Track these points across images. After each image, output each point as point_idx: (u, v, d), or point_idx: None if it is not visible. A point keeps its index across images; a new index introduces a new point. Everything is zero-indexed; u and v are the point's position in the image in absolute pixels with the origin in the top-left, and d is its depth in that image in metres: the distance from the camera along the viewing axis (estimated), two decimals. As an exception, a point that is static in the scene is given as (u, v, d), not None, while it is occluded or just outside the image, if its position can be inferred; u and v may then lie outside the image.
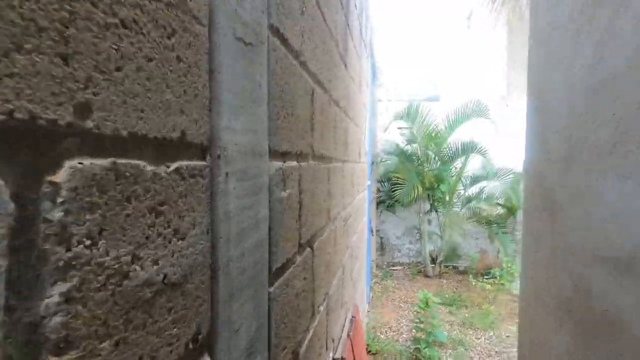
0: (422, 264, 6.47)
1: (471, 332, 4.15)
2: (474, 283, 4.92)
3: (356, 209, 2.54)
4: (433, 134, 5.56)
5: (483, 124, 5.95)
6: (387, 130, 6.14)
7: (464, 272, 6.20)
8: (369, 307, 4.75)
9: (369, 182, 4.67)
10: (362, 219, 3.05)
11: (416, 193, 5.35)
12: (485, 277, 5.46)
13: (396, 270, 6.60)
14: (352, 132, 2.63)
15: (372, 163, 5.69)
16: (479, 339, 4.03)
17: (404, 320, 4.41)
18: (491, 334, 4.12)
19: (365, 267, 4.10)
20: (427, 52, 7.47)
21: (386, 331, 4.12)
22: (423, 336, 3.46)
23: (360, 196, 2.79)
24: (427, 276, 6.10)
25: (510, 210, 5.80)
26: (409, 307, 4.82)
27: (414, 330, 3.60)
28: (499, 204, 5.60)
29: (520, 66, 7.14)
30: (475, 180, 5.80)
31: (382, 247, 7.10)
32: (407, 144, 6.00)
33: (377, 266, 6.63)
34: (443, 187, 5.42)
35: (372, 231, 4.94)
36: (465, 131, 5.60)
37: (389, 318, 4.48)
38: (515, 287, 5.20)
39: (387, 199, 6.21)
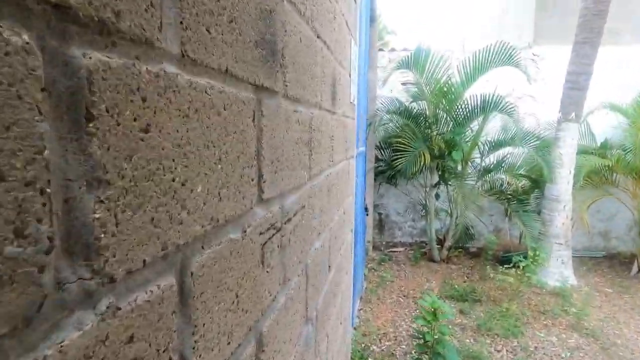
0: (426, 245, 5.53)
1: (489, 341, 3.23)
2: (492, 275, 3.97)
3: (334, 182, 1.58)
4: (445, 88, 4.45)
5: (509, 76, 4.82)
6: (386, 83, 5.03)
7: (477, 255, 5.25)
8: (360, 303, 3.84)
9: (362, 148, 3.63)
10: (346, 197, 2.08)
11: (422, 162, 4.32)
12: (505, 264, 4.51)
13: (397, 252, 5.67)
14: (342, 78, 1.68)
15: (369, 124, 4.63)
16: (499, 350, 3.11)
17: (403, 323, 3.49)
18: (515, 343, 3.20)
19: (354, 258, 3.16)
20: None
21: (380, 339, 3.21)
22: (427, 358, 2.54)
23: (340, 165, 1.80)
24: (432, 260, 5.17)
25: (537, 183, 4.76)
26: (409, 303, 3.91)
27: (415, 349, 2.68)
28: (522, 175, 4.56)
29: (556, 6, 5.90)
30: (495, 146, 4.74)
31: (380, 225, 6.15)
32: (412, 101, 4.90)
33: (374, 247, 5.69)
34: (455, 155, 4.38)
35: (366, 209, 3.95)
36: (484, 85, 4.49)
37: (384, 320, 3.56)
38: (544, 278, 4.24)
39: (388, 169, 5.18)
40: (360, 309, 3.72)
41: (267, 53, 0.74)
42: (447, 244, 5.10)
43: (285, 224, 0.88)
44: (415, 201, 5.64)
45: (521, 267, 3.74)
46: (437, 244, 5.18)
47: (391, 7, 8.31)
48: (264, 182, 0.74)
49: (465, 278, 4.63)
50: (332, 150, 1.54)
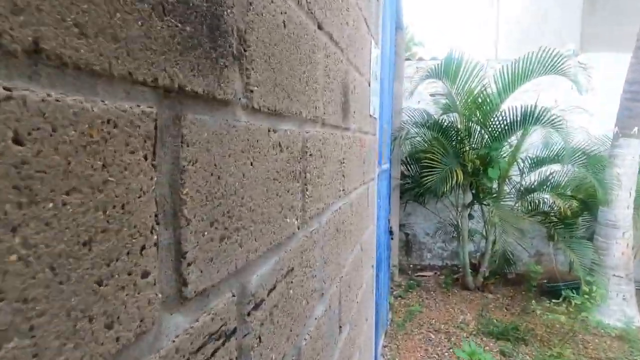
0: (459, 269, 5.04)
1: (538, 393, 2.75)
2: (537, 311, 3.46)
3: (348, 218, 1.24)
4: (480, 99, 4.03)
5: (551, 86, 4.38)
6: (413, 94, 4.65)
7: (516, 283, 4.72)
8: (385, 339, 3.42)
9: (385, 166, 3.26)
10: (365, 229, 1.73)
11: (455, 180, 3.89)
12: (551, 296, 3.98)
13: (425, 277, 5.20)
14: (359, 86, 1.36)
15: (394, 139, 4.26)
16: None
17: (434, 366, 3.05)
18: (570, 397, 2.70)
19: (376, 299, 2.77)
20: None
21: (408, 387, 2.79)
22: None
23: (355, 194, 1.46)
24: (466, 288, 4.67)
25: (586, 206, 4.22)
26: (441, 340, 3.45)
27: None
28: (570, 197, 4.04)
29: (605, 10, 5.38)
30: (537, 163, 4.26)
31: (407, 247, 5.70)
32: (442, 114, 4.49)
33: (400, 271, 5.25)
34: (492, 173, 3.93)
35: (391, 232, 3.56)
36: (521, 97, 4.04)
37: (416, 358, 3.13)
38: (603, 317, 3.69)
39: (415, 187, 4.77)
40: (385, 346, 3.30)
41: (196, 31, 0.41)
42: (483, 269, 4.60)
43: (250, 313, 0.54)
44: (446, 221, 5.17)
45: (573, 304, 3.22)
46: (471, 269, 4.70)
47: (419, 18, 7.98)
48: (189, 264, 0.41)
49: (505, 310, 4.12)
50: (343, 177, 1.20)
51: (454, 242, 5.39)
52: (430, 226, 5.52)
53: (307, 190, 0.81)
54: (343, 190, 1.20)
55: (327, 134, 0.98)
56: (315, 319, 0.91)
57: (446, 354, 3.23)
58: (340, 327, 1.21)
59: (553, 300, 3.57)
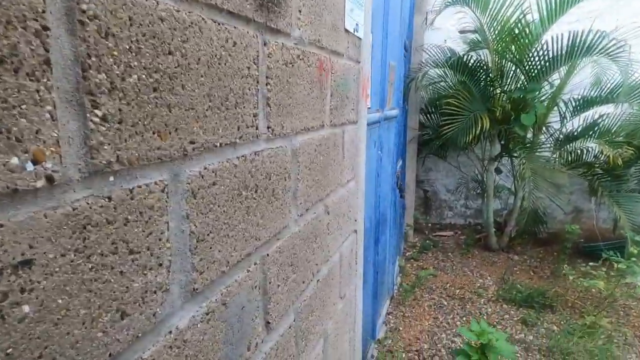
0: (482, 228, 4.58)
1: (563, 375, 2.37)
2: (570, 276, 2.98)
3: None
4: (517, 30, 3.35)
5: (612, 11, 3.62)
6: (433, 23, 3.98)
7: (547, 243, 4.23)
8: (391, 305, 3.10)
9: (393, 111, 2.75)
10: (335, 186, 1.32)
11: (480, 128, 3.34)
12: (588, 258, 3.49)
13: (445, 236, 4.78)
14: None
15: (409, 80, 3.69)
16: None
17: (444, 336, 2.71)
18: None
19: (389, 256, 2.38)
20: None
21: (410, 361, 2.47)
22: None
23: (322, 133, 1.04)
24: (489, 249, 4.24)
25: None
26: (454, 307, 3.09)
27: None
28: (622, 143, 3.40)
29: None
30: (585, 104, 3.58)
31: (426, 204, 5.25)
32: (469, 50, 3.83)
33: (416, 231, 4.85)
34: (526, 119, 3.33)
35: (400, 190, 3.11)
36: (572, 27, 3.32)
37: (419, 330, 2.80)
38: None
39: (435, 138, 4.22)
40: (390, 314, 2.99)
41: None
42: (509, 229, 4.12)
43: None
44: (470, 176, 4.65)
45: (615, 267, 2.74)
46: (496, 229, 4.22)
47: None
48: None
49: (532, 273, 3.68)
50: (269, 107, 0.77)
51: (478, 199, 4.89)
52: (452, 182, 5.01)
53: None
54: (268, 129, 0.78)
55: (211, 25, 0.55)
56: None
57: (458, 323, 2.87)
58: (269, 322, 0.84)
59: (590, 264, 3.08)
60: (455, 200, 5.15)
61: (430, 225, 5.21)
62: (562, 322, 2.83)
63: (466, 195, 5.03)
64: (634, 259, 2.71)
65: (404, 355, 2.50)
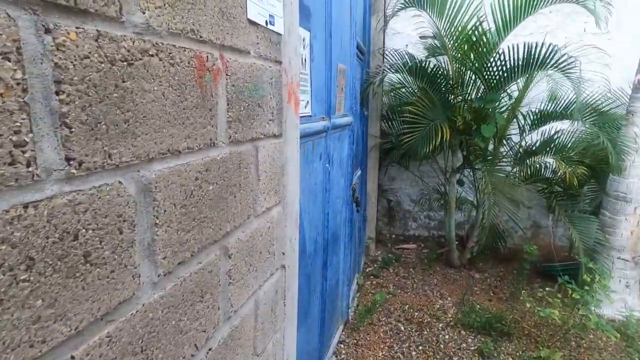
0: (445, 241, 4.41)
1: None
2: (527, 303, 2.81)
3: None
4: (474, 37, 3.20)
5: (562, 27, 3.56)
6: (385, 27, 3.79)
7: (508, 259, 4.11)
8: (344, 332, 2.84)
9: (347, 119, 2.50)
10: (246, 216, 1.05)
11: (440, 138, 3.16)
12: (547, 278, 3.38)
13: (407, 249, 4.59)
14: None
15: (368, 84, 3.47)
16: None
17: (398, 371, 2.47)
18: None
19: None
20: None
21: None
22: None
23: (213, 154, 0.77)
24: (450, 265, 4.06)
25: (595, 173, 3.50)
26: (411, 333, 2.86)
27: None
28: (577, 162, 3.32)
29: None
30: (542, 119, 3.49)
31: (390, 215, 5.05)
32: (429, 55, 3.66)
33: (379, 243, 4.64)
34: (486, 130, 3.17)
35: (357, 203, 2.87)
36: (525, 40, 3.20)
37: (375, 359, 2.55)
38: (604, 307, 3.08)
39: (397, 147, 4.02)
40: (342, 342, 2.72)
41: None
42: (470, 244, 3.97)
43: None
44: (433, 187, 4.48)
45: (570, 294, 2.59)
46: (458, 243, 4.06)
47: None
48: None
49: (492, 294, 3.52)
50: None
51: (441, 210, 4.74)
52: (417, 192, 4.84)
53: None
54: (68, 162, 0.49)
55: None
56: None
57: (413, 353, 2.64)
58: None
59: (547, 289, 2.94)
60: (419, 212, 4.98)
61: (394, 236, 5.01)
62: (518, 353, 2.65)
63: (430, 206, 4.87)
64: (587, 287, 2.58)
65: (353, 394, 2.24)
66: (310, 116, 1.80)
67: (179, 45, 0.70)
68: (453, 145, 3.69)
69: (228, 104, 0.89)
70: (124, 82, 0.58)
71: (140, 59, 0.61)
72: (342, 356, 2.57)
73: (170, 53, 0.67)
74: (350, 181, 2.76)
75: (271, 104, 1.14)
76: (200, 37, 0.76)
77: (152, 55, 0.63)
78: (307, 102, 1.72)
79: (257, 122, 1.05)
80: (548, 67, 2.93)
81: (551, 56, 2.88)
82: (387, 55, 3.73)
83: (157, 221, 0.67)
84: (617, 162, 3.08)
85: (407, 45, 4.23)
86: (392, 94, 4.06)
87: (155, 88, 0.64)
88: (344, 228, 2.68)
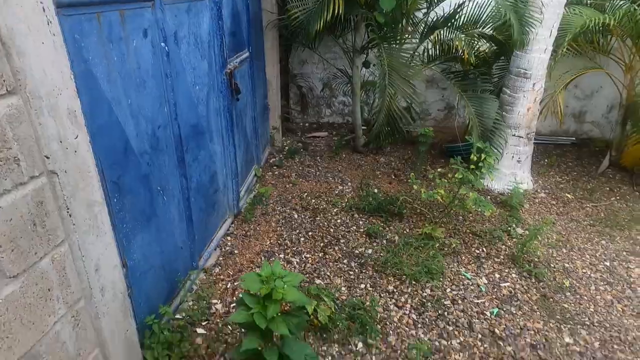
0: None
1: (391, 288, 2.30)
2: (415, 187, 2.83)
3: None
4: None
5: None
6: None
7: (415, 143, 4.12)
8: (233, 225, 2.78)
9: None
10: None
11: (331, 13, 2.77)
12: (451, 158, 3.42)
13: (318, 137, 4.46)
14: None
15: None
16: (400, 306, 2.19)
17: (282, 259, 2.48)
18: (427, 291, 2.28)
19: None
20: None
21: (235, 290, 2.22)
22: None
23: None
24: (357, 151, 4.02)
25: (504, 47, 3.35)
26: (303, 221, 2.87)
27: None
28: (484, 36, 3.12)
29: None
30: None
31: (302, 102, 4.79)
32: None
33: (290, 132, 4.45)
34: (385, 2, 2.81)
35: (237, 90, 2.55)
36: None
37: (258, 251, 2.54)
38: (491, 182, 3.22)
39: (299, 28, 3.56)
40: (229, 235, 2.67)
41: None
42: (376, 129, 3.88)
43: None
44: (340, 69, 4.19)
45: (456, 177, 2.61)
46: (365, 128, 3.97)
47: None
48: None
49: (393, 177, 3.57)
50: None
51: (354, 95, 4.52)
52: (330, 77, 4.53)
53: None
54: None
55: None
56: None
57: (302, 239, 2.66)
58: None
59: (438, 170, 2.98)
60: (333, 97, 4.75)
61: (307, 125, 4.84)
62: (405, 231, 2.75)
63: (344, 91, 4.64)
64: (472, 166, 2.59)
65: (228, 286, 2.24)
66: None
67: None
68: (357, 22, 3.31)
69: None
70: None
71: None
72: (227, 248, 2.54)
73: None
74: (222, 65, 2.39)
75: None
76: None
77: None
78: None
79: None
80: None
81: None
82: None
83: None
84: (520, 35, 2.92)
85: None
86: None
87: None
88: (218, 119, 2.41)
